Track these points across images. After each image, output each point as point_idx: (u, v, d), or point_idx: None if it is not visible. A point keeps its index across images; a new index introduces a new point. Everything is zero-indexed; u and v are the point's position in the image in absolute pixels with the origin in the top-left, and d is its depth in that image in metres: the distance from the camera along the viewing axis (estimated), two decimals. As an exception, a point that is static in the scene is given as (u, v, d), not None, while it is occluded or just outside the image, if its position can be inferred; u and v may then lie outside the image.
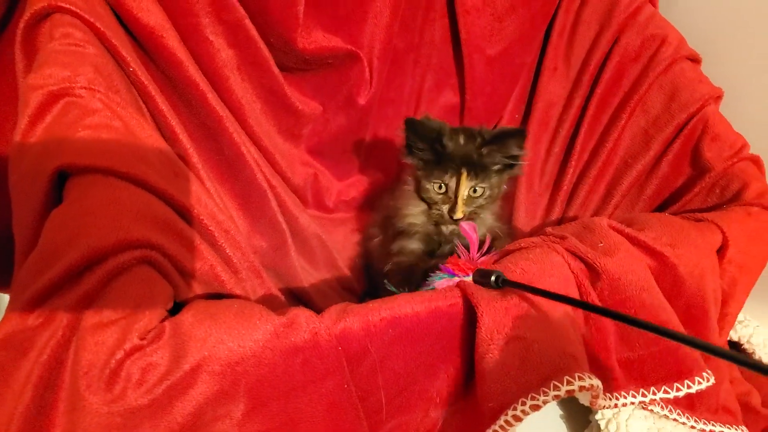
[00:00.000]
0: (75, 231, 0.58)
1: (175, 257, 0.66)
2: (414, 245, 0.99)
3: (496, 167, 0.95)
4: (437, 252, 0.98)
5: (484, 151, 0.93)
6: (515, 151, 0.94)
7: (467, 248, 0.84)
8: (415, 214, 1.00)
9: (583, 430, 0.99)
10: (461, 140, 0.93)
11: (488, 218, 1.00)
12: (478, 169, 0.92)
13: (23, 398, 0.53)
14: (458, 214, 0.93)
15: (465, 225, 0.86)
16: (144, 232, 0.61)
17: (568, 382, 0.60)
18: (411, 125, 0.93)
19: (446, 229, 0.98)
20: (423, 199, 0.99)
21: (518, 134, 0.93)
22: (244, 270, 0.85)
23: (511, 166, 0.96)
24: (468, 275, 0.73)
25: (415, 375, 0.66)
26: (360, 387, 0.63)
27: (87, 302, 0.56)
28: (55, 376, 0.54)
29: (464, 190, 0.93)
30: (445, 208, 0.95)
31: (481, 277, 0.68)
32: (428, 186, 0.95)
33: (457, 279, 0.76)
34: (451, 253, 0.88)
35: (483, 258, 0.83)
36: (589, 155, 1.18)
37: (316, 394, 0.60)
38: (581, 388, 0.60)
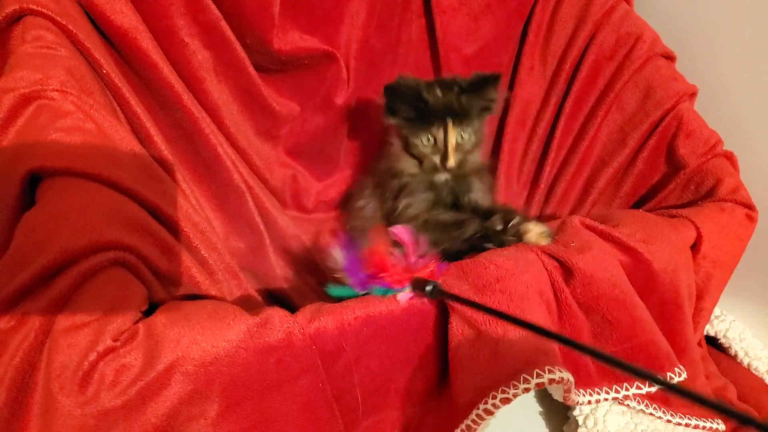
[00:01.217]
0: (47, 233, 0.58)
1: (149, 259, 0.66)
2: (424, 195, 1.00)
3: (476, 112, 0.98)
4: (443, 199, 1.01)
5: (464, 99, 0.96)
6: (492, 95, 0.99)
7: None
8: (411, 167, 1.02)
9: (562, 426, 1.00)
10: (439, 92, 0.96)
11: (476, 161, 1.04)
12: (461, 117, 0.96)
13: (-4, 402, 0.53)
14: (451, 162, 0.96)
15: (396, 230, 0.77)
16: (117, 234, 0.61)
17: (538, 375, 0.60)
18: (390, 90, 0.97)
19: (440, 178, 1.01)
20: (413, 155, 1.01)
21: (494, 79, 0.98)
22: (221, 271, 0.85)
23: (488, 108, 1.00)
24: (404, 287, 0.69)
25: (391, 373, 0.67)
26: (335, 386, 0.63)
27: (60, 305, 0.55)
28: (28, 378, 0.53)
29: (453, 138, 0.96)
30: (437, 158, 0.98)
31: (416, 288, 0.66)
32: (416, 141, 0.98)
33: (393, 293, 0.71)
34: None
35: (420, 261, 0.75)
36: (566, 153, 1.19)
37: (290, 394, 0.61)
38: (551, 381, 0.61)
